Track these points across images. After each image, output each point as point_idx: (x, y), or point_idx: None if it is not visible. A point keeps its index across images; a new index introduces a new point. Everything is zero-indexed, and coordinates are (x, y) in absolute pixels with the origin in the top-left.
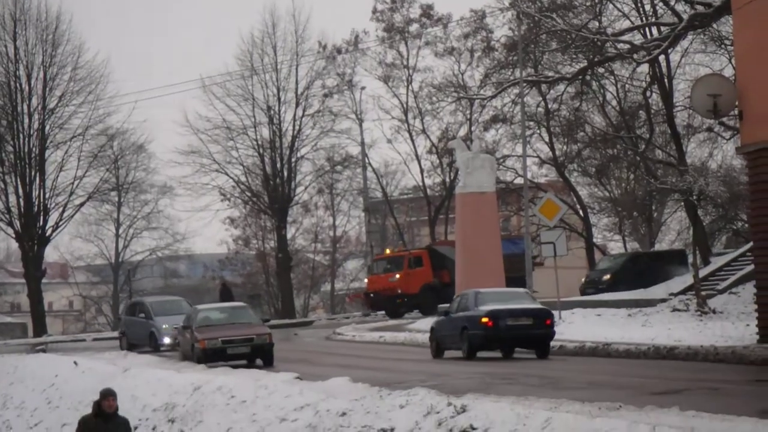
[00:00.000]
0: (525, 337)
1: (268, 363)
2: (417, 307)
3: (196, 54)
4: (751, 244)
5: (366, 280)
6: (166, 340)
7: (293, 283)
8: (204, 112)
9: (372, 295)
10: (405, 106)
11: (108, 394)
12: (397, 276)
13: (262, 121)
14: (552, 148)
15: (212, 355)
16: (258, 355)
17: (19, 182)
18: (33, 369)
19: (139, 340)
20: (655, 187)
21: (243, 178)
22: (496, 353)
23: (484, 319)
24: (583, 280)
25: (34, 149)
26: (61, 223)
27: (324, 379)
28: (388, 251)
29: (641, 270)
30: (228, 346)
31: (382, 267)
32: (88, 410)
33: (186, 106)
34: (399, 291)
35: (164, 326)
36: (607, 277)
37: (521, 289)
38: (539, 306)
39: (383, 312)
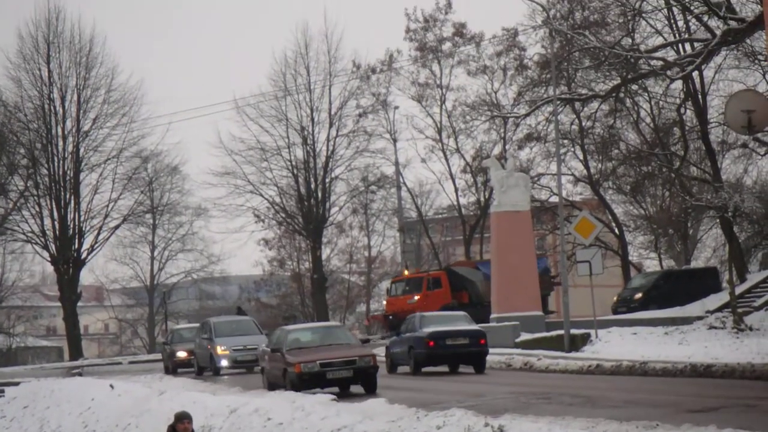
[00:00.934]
0: (462, 355)
1: (371, 389)
2: None
3: (229, 75)
4: None
5: (385, 302)
6: (224, 363)
7: (328, 304)
8: (238, 133)
9: (391, 317)
10: (439, 125)
11: (183, 417)
12: (416, 298)
13: (296, 141)
14: (586, 166)
15: (309, 381)
16: (360, 379)
17: (54, 205)
18: (69, 392)
19: (204, 362)
20: (690, 204)
21: (277, 199)
22: (443, 368)
23: (427, 340)
24: (615, 298)
25: (68, 172)
26: (96, 245)
27: (361, 400)
28: (406, 272)
29: (673, 288)
30: (327, 370)
31: (401, 289)
32: None
33: (220, 127)
34: None
35: (221, 348)
36: (638, 295)
37: (461, 313)
38: (475, 328)
39: None
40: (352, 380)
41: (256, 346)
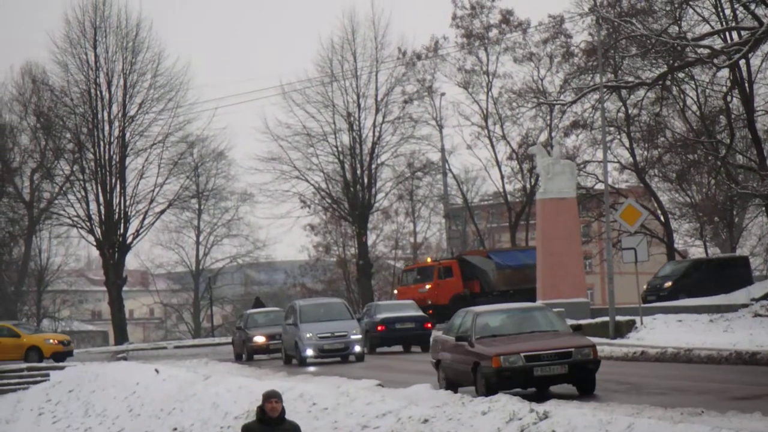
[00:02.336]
0: (409, 337)
1: (589, 389)
2: (448, 318)
3: (276, 60)
4: None
5: (396, 292)
6: (309, 352)
7: (374, 290)
8: (284, 118)
9: None
10: (485, 112)
11: (271, 396)
12: (427, 287)
13: (342, 127)
14: (632, 154)
15: (511, 378)
16: (577, 377)
17: (99, 190)
18: (114, 377)
19: (291, 350)
20: (736, 192)
21: (323, 185)
22: (398, 348)
23: (379, 325)
24: (644, 287)
25: (114, 157)
26: (141, 230)
27: (406, 385)
28: (418, 262)
29: (703, 277)
30: (535, 365)
31: (412, 278)
32: (171, 418)
33: (266, 113)
34: (429, 302)
35: (307, 335)
36: (668, 284)
37: (409, 301)
38: (420, 314)
39: None
40: (568, 377)
41: (346, 332)
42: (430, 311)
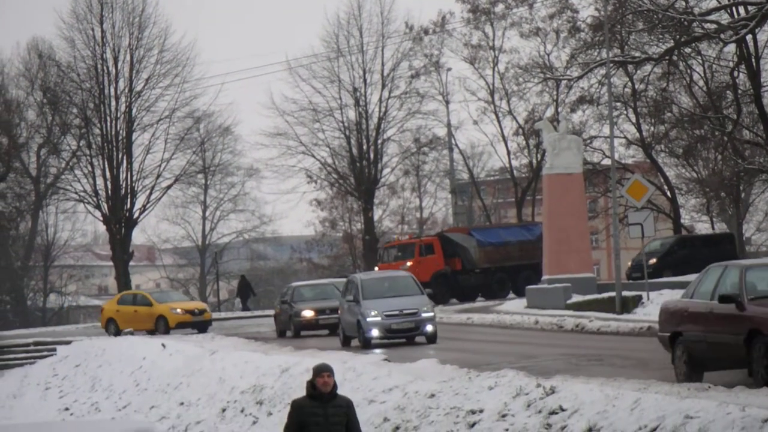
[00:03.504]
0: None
1: None
2: (429, 296)
3: (282, 35)
4: None
5: (376, 269)
6: (374, 333)
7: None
8: (290, 94)
9: None
10: (491, 87)
11: (322, 370)
12: (408, 264)
13: (348, 102)
14: (639, 129)
15: None
16: None
17: (106, 165)
18: (121, 351)
19: (351, 330)
20: (742, 167)
21: (329, 160)
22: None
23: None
24: (629, 263)
25: (121, 132)
26: (148, 205)
27: (412, 361)
28: (397, 238)
29: (688, 254)
30: None
31: (393, 255)
32: (177, 393)
33: (272, 88)
34: None
35: (372, 313)
36: (653, 260)
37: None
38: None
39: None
40: None
41: (416, 309)
42: None
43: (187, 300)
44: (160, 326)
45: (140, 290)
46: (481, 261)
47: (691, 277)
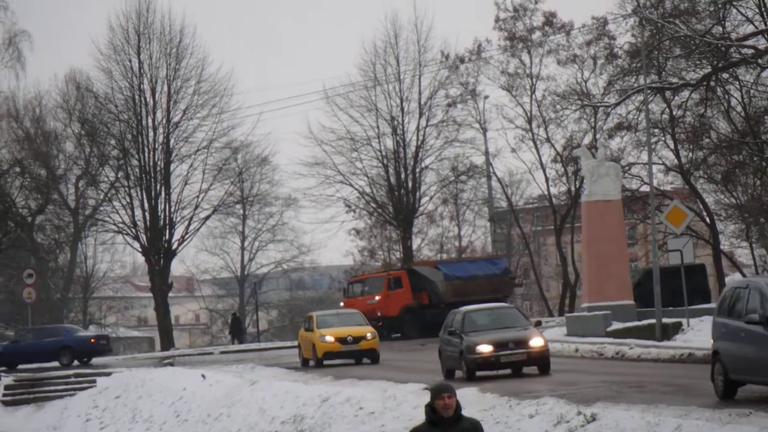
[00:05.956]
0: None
1: None
2: (398, 330)
3: (319, 64)
4: None
5: (341, 305)
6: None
7: None
8: (327, 123)
9: None
10: (529, 114)
11: (442, 391)
12: (377, 298)
13: (385, 131)
14: (677, 155)
15: None
16: None
17: (144, 196)
18: (161, 382)
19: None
20: None
21: (367, 189)
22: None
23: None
24: None
25: (159, 163)
26: (186, 236)
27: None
28: (363, 272)
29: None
30: None
31: (359, 289)
32: (218, 423)
33: (309, 118)
34: (379, 314)
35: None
36: None
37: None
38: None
39: None
40: None
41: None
42: (381, 323)
43: (358, 325)
44: (313, 355)
45: (323, 312)
46: (448, 295)
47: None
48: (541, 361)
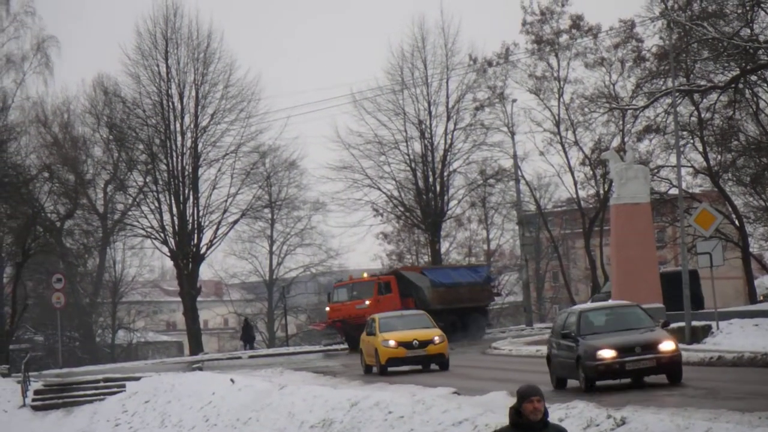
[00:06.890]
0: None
1: None
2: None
3: (346, 68)
4: None
5: (327, 309)
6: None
7: None
8: (355, 127)
9: (340, 323)
10: (557, 118)
11: (531, 394)
12: (367, 303)
13: (413, 135)
14: (706, 158)
15: None
16: None
17: (173, 200)
18: (190, 387)
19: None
20: None
21: (395, 193)
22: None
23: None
24: (589, 302)
25: (187, 167)
26: (215, 240)
27: (482, 393)
28: (350, 277)
29: None
30: None
31: (346, 294)
32: (247, 428)
33: (337, 122)
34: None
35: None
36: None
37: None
38: None
39: (344, 343)
40: None
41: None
42: None
43: (425, 327)
44: (376, 361)
45: (386, 314)
46: (434, 301)
47: None
48: (672, 368)
